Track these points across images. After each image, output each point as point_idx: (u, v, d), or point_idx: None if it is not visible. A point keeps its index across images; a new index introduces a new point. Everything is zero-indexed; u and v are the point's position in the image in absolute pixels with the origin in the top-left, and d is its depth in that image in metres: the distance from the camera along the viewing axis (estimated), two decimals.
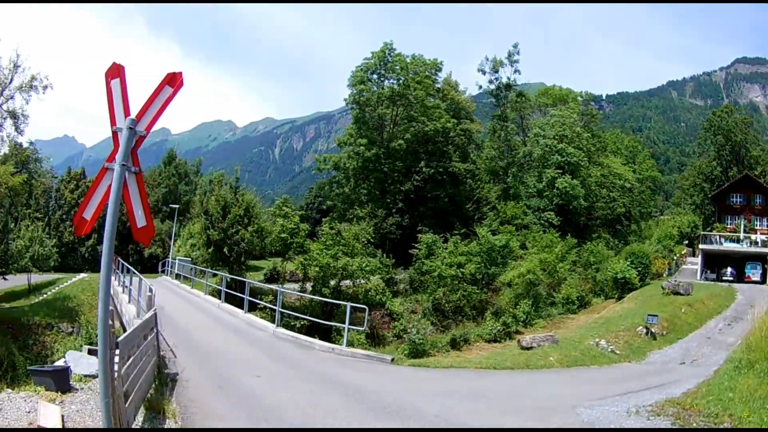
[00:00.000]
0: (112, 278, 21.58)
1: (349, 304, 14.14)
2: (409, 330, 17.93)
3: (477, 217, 36.04)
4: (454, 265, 25.11)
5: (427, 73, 39.11)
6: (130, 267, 19.56)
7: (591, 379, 11.82)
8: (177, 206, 40.89)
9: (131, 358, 7.13)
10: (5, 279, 31.32)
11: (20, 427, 5.93)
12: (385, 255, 30.45)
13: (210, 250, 27.65)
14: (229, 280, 20.77)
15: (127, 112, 4.99)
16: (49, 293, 29.33)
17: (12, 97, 23.31)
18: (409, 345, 16.48)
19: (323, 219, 39.80)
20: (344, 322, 13.93)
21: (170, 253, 37.64)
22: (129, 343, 7.02)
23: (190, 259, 32.71)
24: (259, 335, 14.65)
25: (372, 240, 30.47)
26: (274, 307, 15.93)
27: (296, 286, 28.87)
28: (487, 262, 26.11)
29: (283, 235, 29.39)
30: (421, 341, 16.22)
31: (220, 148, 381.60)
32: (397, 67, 38.38)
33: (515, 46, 42.72)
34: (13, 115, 23.91)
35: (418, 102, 37.87)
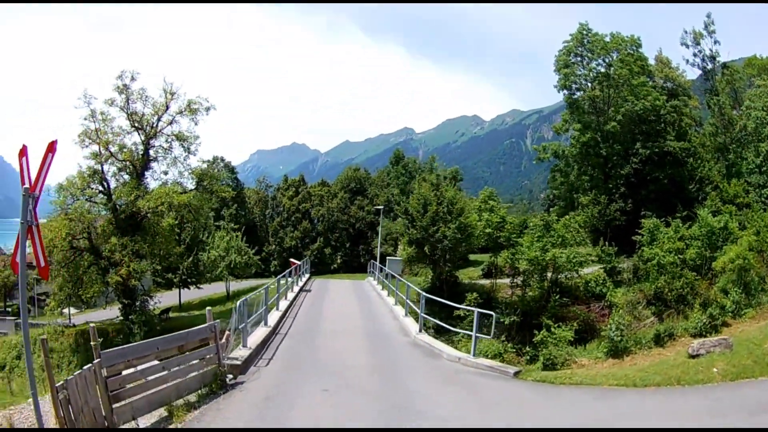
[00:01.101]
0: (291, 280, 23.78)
1: (476, 310, 12.45)
2: (606, 326, 15.83)
3: (700, 198, 32.56)
4: (673, 251, 21.88)
5: (628, 51, 36.85)
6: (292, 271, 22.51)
7: (728, 404, 8.48)
8: (381, 207, 41.57)
9: (135, 369, 7.59)
10: (199, 288, 35.29)
11: None
12: (607, 243, 27.45)
13: (412, 249, 28.15)
14: (421, 283, 20.52)
15: (30, 182, 6.13)
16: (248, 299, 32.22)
17: (174, 121, 26.08)
18: (608, 343, 14.80)
19: (550, 209, 37.77)
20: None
21: (378, 254, 38.63)
22: (125, 355, 7.44)
23: (399, 258, 33.70)
24: (396, 341, 14.06)
25: (583, 227, 28.02)
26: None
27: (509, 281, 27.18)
28: (707, 246, 22.24)
29: (487, 230, 27.94)
30: (620, 338, 14.47)
31: (469, 143, 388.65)
32: (597, 48, 37.29)
33: (708, 16, 38.96)
34: (180, 137, 26.30)
35: (623, 80, 35.78)
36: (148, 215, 23.74)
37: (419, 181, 32.63)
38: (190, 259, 33.61)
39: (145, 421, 7.36)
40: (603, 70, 37.15)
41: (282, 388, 9.36)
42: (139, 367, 7.72)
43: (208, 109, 26.02)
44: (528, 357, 15.86)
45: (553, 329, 17.13)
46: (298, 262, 29.69)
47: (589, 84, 38.01)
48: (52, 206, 23.90)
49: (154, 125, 25.28)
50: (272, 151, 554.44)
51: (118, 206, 24.25)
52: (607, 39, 37.37)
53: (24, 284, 6.25)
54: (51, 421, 6.41)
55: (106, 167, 24.70)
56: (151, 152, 25.76)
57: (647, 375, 9.86)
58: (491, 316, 12.60)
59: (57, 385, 5.84)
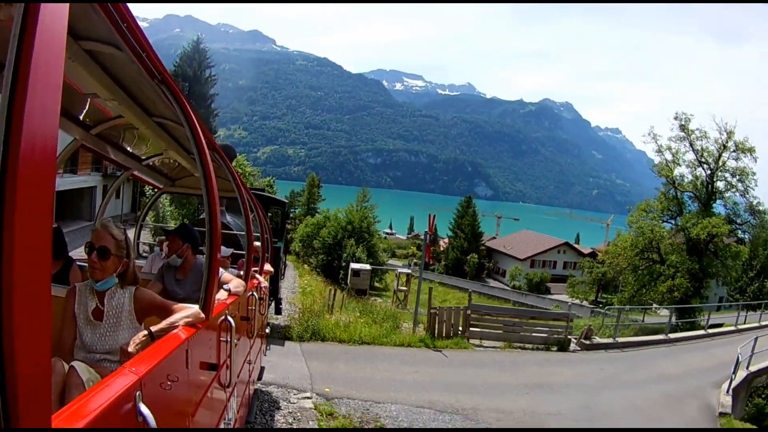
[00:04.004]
0: None
1: None
2: None
3: None
4: None
5: None
6: None
7: None
8: None
9: (494, 318, 15.59)
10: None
11: None
12: None
13: None
14: None
15: (429, 227, 15.47)
16: None
17: (735, 158, 28.89)
18: None
19: None
20: None
21: None
22: (490, 310, 15.63)
23: None
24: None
25: None
26: None
27: None
28: None
29: None
30: None
31: None
32: None
33: None
34: (738, 172, 28.94)
35: None
36: (715, 240, 28.20)
37: None
38: (755, 284, 34.81)
39: (491, 344, 14.99)
40: None
41: (586, 363, 14.36)
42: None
43: (750, 150, 28.57)
44: None
45: None
46: None
47: None
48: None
49: (716, 160, 29.47)
50: None
51: (685, 229, 29.60)
52: None
53: (423, 268, 15.57)
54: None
55: (679, 194, 30.80)
56: (720, 184, 30.05)
57: None
58: None
59: (432, 307, 14.83)
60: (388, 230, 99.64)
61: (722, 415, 11.50)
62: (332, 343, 13.21)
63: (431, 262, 71.32)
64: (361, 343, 13.43)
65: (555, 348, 15.27)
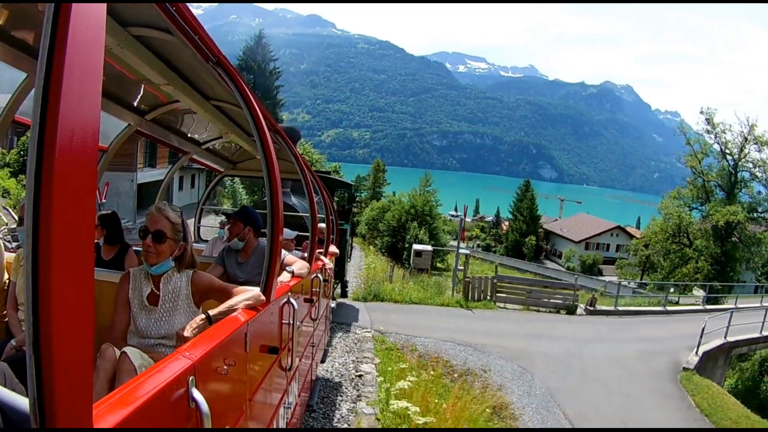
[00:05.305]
0: None
1: None
2: None
3: None
4: None
5: None
6: None
7: None
8: None
9: (515, 285, 19.33)
10: None
11: None
12: None
13: None
14: None
15: (464, 214, 19.27)
16: None
17: (757, 150, 30.65)
18: None
19: None
20: None
21: None
22: (511, 280, 19.37)
23: None
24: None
25: None
26: None
27: None
28: None
29: None
30: None
31: None
32: None
33: None
34: (763, 163, 30.77)
35: None
36: (738, 227, 30.16)
37: None
38: None
39: (513, 306, 18.65)
40: None
41: (585, 323, 17.80)
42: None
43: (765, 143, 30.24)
44: None
45: None
46: None
47: None
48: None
49: (739, 152, 31.33)
50: None
51: (709, 215, 31.73)
52: None
53: (458, 250, 19.31)
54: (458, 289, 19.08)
55: (706, 183, 32.78)
56: (745, 175, 31.95)
57: None
58: None
59: (466, 276, 18.69)
60: (453, 212, 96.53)
61: (685, 369, 13.59)
62: (388, 303, 17.14)
63: (494, 244, 73.95)
64: (410, 302, 17.42)
65: (564, 312, 18.76)
